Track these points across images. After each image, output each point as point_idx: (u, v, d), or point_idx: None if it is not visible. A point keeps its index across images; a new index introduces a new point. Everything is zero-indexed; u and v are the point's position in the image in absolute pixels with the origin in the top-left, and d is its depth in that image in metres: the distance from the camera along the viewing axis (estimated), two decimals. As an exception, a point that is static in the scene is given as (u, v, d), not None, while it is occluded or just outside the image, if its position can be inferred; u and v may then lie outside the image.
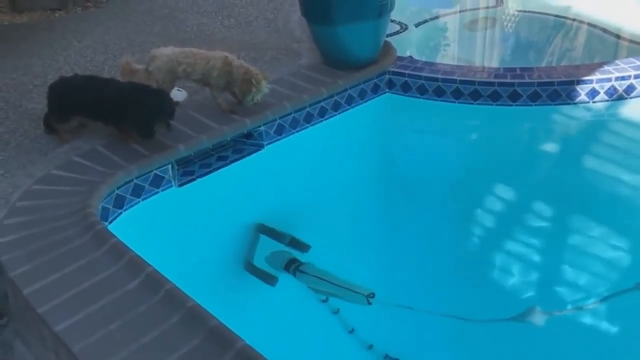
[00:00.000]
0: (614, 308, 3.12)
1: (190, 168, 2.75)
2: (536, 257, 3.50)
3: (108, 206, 2.35)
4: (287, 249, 2.85)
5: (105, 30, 4.27)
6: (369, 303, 2.40)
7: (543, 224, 3.51)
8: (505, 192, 3.57)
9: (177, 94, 3.04)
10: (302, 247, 2.84)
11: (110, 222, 2.35)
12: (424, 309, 2.48)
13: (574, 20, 4.65)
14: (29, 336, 1.91)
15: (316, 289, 2.65)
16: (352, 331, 3.16)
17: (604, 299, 3.03)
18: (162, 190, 2.58)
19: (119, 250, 1.93)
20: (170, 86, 2.88)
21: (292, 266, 2.73)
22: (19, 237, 2.07)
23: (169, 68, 2.80)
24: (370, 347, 3.19)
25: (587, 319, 3.14)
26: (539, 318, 2.54)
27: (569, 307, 3.08)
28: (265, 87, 2.79)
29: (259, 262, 2.89)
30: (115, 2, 5.23)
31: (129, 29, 4.26)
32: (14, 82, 3.42)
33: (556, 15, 4.73)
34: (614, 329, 3.18)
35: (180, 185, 2.64)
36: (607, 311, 3.14)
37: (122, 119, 2.56)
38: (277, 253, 2.84)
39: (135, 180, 2.47)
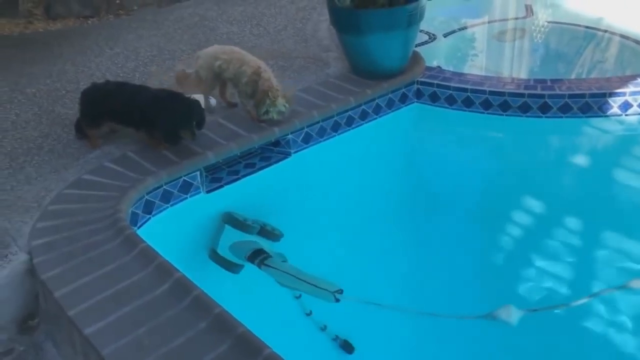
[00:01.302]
0: (600, 306, 3.07)
1: (218, 175, 2.78)
2: (565, 272, 3.44)
3: (137, 211, 2.38)
4: (256, 238, 2.71)
5: (137, 37, 4.34)
6: (337, 300, 2.34)
7: (571, 238, 3.45)
8: (533, 204, 3.52)
9: (209, 100, 3.07)
10: (272, 236, 2.72)
11: (139, 227, 2.38)
12: (393, 306, 2.40)
13: (605, 31, 4.59)
14: (58, 338, 1.93)
15: (282, 283, 2.56)
16: (309, 313, 3.07)
17: (591, 296, 2.96)
18: (190, 197, 2.61)
19: (148, 255, 1.95)
20: (213, 85, 2.95)
21: (258, 258, 2.58)
22: (51, 240, 2.11)
23: (209, 64, 2.87)
24: (324, 327, 3.09)
25: (568, 317, 3.06)
26: (512, 316, 2.46)
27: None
28: (281, 104, 2.74)
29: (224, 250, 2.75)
30: (146, 11, 5.32)
31: (160, 36, 4.33)
32: (47, 87, 3.49)
33: (587, 27, 4.67)
34: (599, 327, 3.12)
35: (208, 192, 2.67)
36: (591, 310, 3.09)
37: (153, 125, 2.59)
38: (241, 243, 2.68)
39: (164, 186, 2.50)
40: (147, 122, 2.60)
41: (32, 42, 4.49)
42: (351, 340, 3.08)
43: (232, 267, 2.63)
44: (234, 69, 2.82)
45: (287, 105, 2.77)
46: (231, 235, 2.69)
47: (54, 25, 5.06)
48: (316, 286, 2.36)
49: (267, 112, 2.74)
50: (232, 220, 2.70)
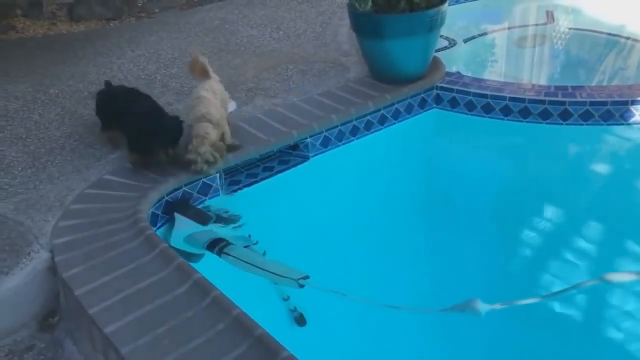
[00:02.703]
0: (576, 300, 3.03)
1: (237, 177, 2.79)
2: (582, 279, 3.40)
3: (157, 212, 2.41)
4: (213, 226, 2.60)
5: (158, 40, 4.38)
6: (301, 286, 2.30)
7: (590, 246, 3.41)
8: (552, 212, 3.49)
9: (229, 105, 3.09)
10: (229, 220, 2.63)
11: (158, 228, 2.40)
12: (357, 297, 2.35)
13: (627, 38, 4.54)
14: (78, 336, 1.96)
15: (245, 270, 2.49)
16: (287, 299, 2.99)
17: (563, 291, 2.91)
18: (209, 198, 2.63)
19: (168, 255, 1.97)
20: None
21: (217, 247, 2.43)
22: (72, 239, 2.14)
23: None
24: (287, 298, 2.95)
25: (541, 311, 3.01)
26: (479, 308, 2.41)
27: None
28: (207, 152, 2.46)
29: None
30: (167, 13, 5.37)
31: (181, 39, 4.37)
32: (70, 88, 3.54)
33: (609, 33, 4.63)
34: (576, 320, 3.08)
35: (227, 194, 2.68)
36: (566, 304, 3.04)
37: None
38: (197, 233, 2.52)
39: (184, 188, 2.52)
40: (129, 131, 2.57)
41: (55, 43, 4.56)
42: (307, 315, 2.94)
43: (192, 258, 2.44)
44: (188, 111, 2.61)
45: (215, 155, 2.48)
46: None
47: (77, 27, 5.13)
48: (279, 275, 2.31)
49: (193, 162, 2.46)
50: (186, 208, 2.57)
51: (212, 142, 2.48)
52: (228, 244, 2.44)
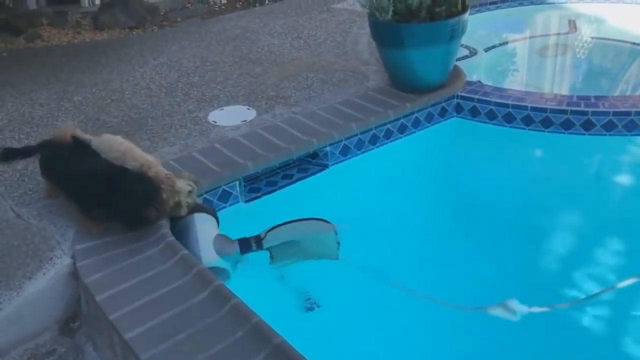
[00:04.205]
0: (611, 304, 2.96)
1: (257, 185, 2.81)
2: (604, 294, 3.34)
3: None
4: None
5: (180, 48, 4.43)
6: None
7: (613, 257, 3.36)
8: (573, 223, 3.45)
9: (247, 113, 3.11)
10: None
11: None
12: (395, 282, 2.31)
13: (652, 48, 4.49)
14: (99, 341, 1.97)
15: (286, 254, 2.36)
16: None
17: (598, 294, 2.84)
18: (229, 206, 2.64)
19: (189, 262, 1.98)
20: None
21: (251, 241, 2.35)
22: (93, 244, 2.16)
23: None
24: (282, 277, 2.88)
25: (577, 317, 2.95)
26: (515, 311, 2.37)
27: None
28: (184, 185, 2.21)
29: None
30: (190, 22, 5.44)
31: (203, 48, 4.41)
32: (93, 96, 3.59)
33: (633, 43, 4.58)
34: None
35: (246, 202, 2.70)
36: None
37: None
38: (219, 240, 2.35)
39: (204, 195, 2.54)
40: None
41: (79, 51, 4.63)
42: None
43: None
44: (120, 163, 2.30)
45: (192, 184, 2.24)
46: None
47: (101, 35, 5.22)
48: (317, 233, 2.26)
49: (176, 204, 2.20)
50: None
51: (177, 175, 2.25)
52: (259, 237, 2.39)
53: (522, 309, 2.28)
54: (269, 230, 2.38)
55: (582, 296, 3.21)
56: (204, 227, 2.30)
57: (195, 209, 2.31)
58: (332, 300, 2.79)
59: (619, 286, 2.72)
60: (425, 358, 2.57)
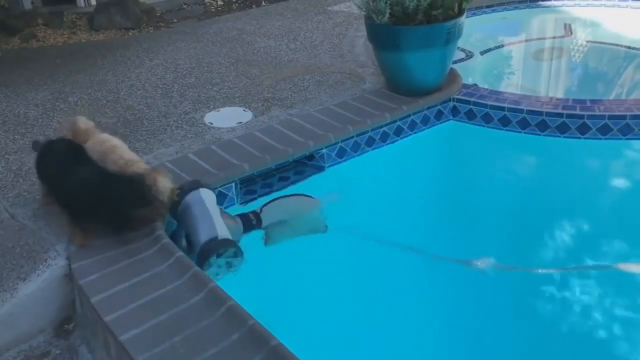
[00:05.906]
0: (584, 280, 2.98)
1: (253, 187, 2.80)
2: (601, 294, 3.35)
3: (174, 220, 2.41)
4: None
5: (176, 50, 4.43)
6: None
7: (609, 261, 3.37)
8: (568, 226, 3.45)
9: (243, 114, 3.11)
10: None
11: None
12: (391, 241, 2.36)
13: (648, 52, 4.51)
14: (93, 343, 1.96)
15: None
16: None
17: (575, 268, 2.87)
18: (225, 208, 2.63)
19: (184, 264, 1.97)
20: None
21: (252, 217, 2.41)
22: (88, 247, 2.15)
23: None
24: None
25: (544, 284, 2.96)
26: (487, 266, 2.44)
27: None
28: (166, 181, 2.17)
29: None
30: (185, 24, 5.43)
31: (199, 49, 4.41)
32: (89, 97, 3.58)
33: (628, 47, 4.60)
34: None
35: (242, 204, 2.69)
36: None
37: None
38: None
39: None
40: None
41: (75, 52, 4.62)
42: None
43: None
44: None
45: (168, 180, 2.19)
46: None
47: (97, 36, 5.20)
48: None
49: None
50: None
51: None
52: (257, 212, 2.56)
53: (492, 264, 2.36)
54: (264, 206, 2.56)
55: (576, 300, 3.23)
56: (212, 202, 2.33)
57: (193, 185, 2.32)
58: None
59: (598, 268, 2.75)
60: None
